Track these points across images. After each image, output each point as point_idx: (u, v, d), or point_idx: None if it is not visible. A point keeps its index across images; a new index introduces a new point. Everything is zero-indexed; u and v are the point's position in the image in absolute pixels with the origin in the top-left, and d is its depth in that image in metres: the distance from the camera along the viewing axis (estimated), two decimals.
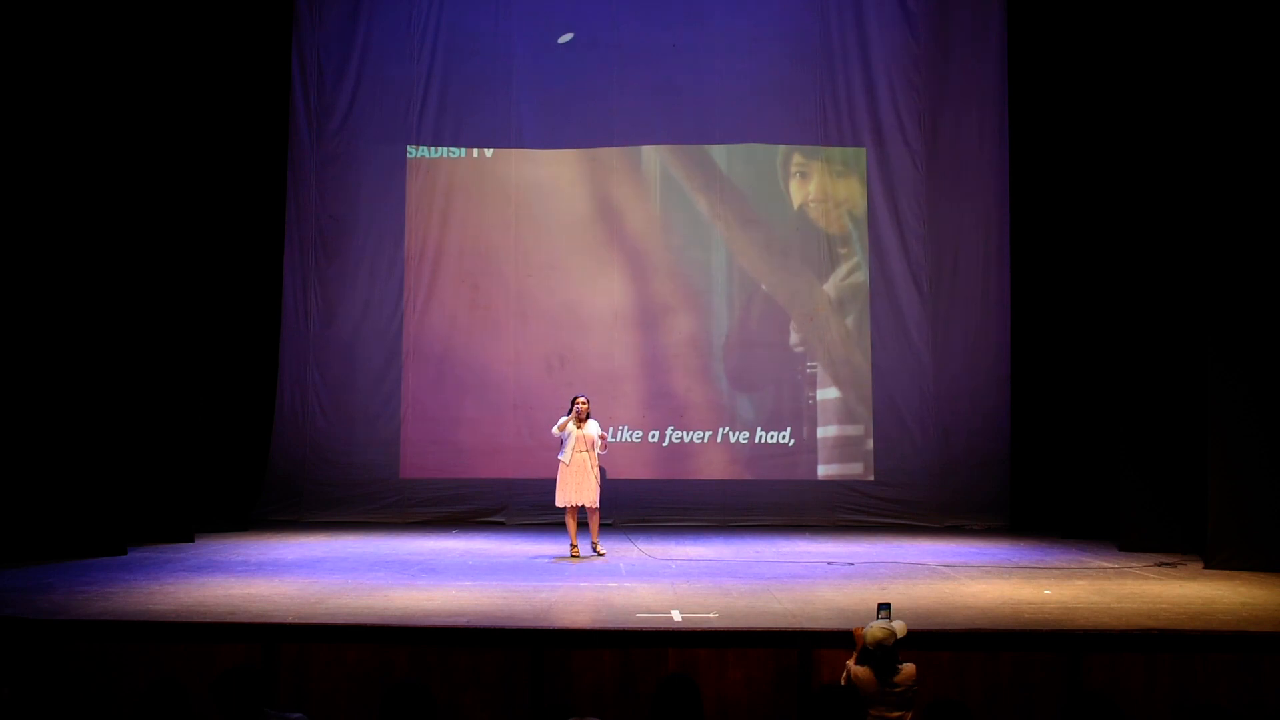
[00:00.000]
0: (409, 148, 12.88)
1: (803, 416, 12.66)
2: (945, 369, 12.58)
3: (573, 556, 9.63)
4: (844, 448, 12.62)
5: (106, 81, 9.91)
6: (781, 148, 12.84)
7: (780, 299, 12.78)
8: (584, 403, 9.74)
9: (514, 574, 8.65)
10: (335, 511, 12.30)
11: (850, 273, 12.72)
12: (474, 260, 12.85)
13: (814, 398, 12.66)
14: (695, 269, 12.86)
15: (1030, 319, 12.28)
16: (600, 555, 9.69)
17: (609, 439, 9.98)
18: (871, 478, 12.56)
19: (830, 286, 12.71)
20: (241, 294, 12.01)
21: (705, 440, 12.70)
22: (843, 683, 5.33)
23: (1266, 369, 9.02)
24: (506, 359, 12.76)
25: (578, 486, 9.59)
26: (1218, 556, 9.00)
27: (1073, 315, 11.63)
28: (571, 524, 9.79)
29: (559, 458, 9.73)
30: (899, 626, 5.32)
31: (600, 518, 9.93)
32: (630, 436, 12.52)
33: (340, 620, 6.59)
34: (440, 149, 12.91)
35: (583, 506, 9.66)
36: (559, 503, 9.68)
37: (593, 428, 9.71)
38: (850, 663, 5.33)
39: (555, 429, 9.81)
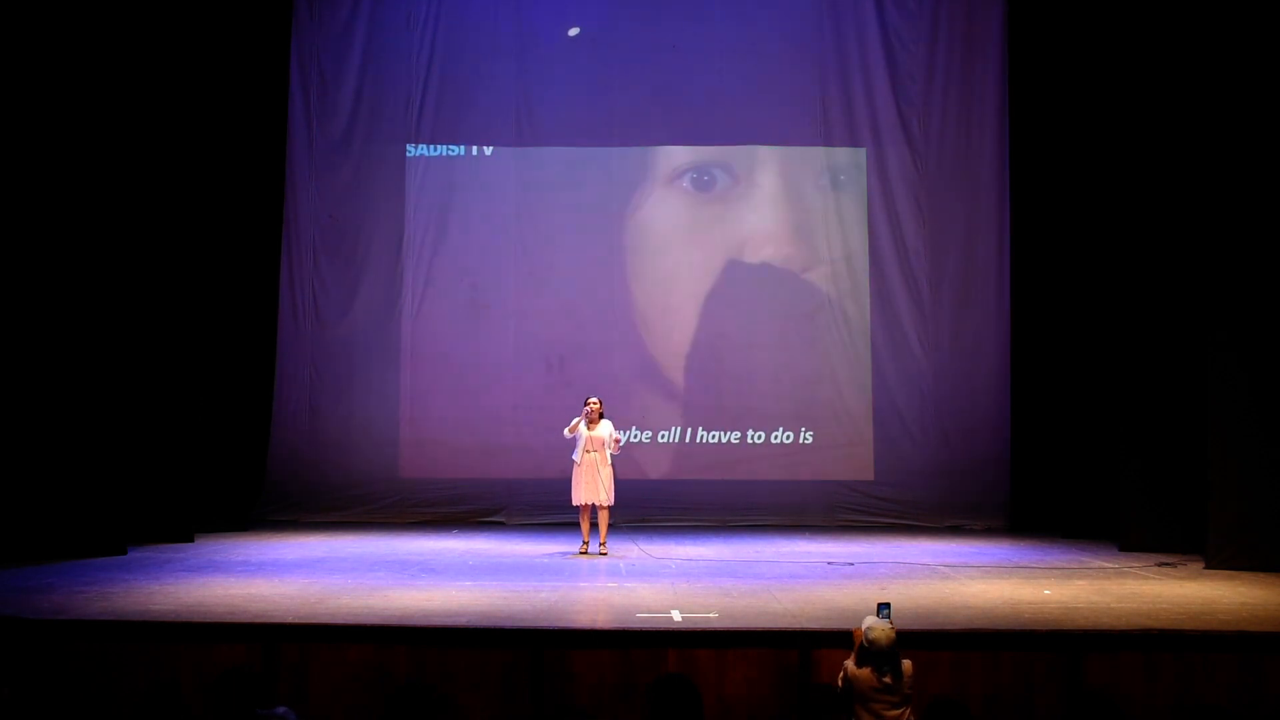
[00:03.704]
0: (408, 146, 12.85)
1: (803, 416, 12.63)
2: (945, 369, 12.56)
3: (581, 553, 9.81)
4: (844, 448, 12.60)
5: (105, 82, 9.88)
6: (781, 147, 12.82)
7: (780, 299, 12.75)
8: (595, 404, 9.82)
9: (514, 574, 8.64)
10: (335, 511, 12.29)
11: (850, 273, 12.71)
12: (474, 260, 12.83)
13: (814, 397, 12.63)
14: (695, 269, 12.84)
15: (1030, 319, 12.27)
16: (603, 554, 9.75)
17: (620, 439, 9.97)
18: (871, 478, 12.54)
19: (830, 286, 12.69)
20: (240, 294, 11.97)
21: (705, 440, 12.69)
22: (839, 684, 5.33)
23: (1267, 368, 9.02)
24: (506, 359, 12.74)
25: (586, 486, 9.72)
26: (1218, 556, 8.99)
27: (1073, 315, 11.62)
28: (584, 522, 9.92)
29: (572, 458, 9.82)
30: (885, 626, 5.27)
31: (610, 517, 9.97)
32: (630, 436, 12.51)
33: (340, 620, 6.59)
34: (440, 147, 12.89)
35: (595, 506, 9.78)
36: (573, 501, 9.87)
37: (604, 429, 9.79)
38: (849, 663, 5.31)
39: (566, 431, 9.89)
